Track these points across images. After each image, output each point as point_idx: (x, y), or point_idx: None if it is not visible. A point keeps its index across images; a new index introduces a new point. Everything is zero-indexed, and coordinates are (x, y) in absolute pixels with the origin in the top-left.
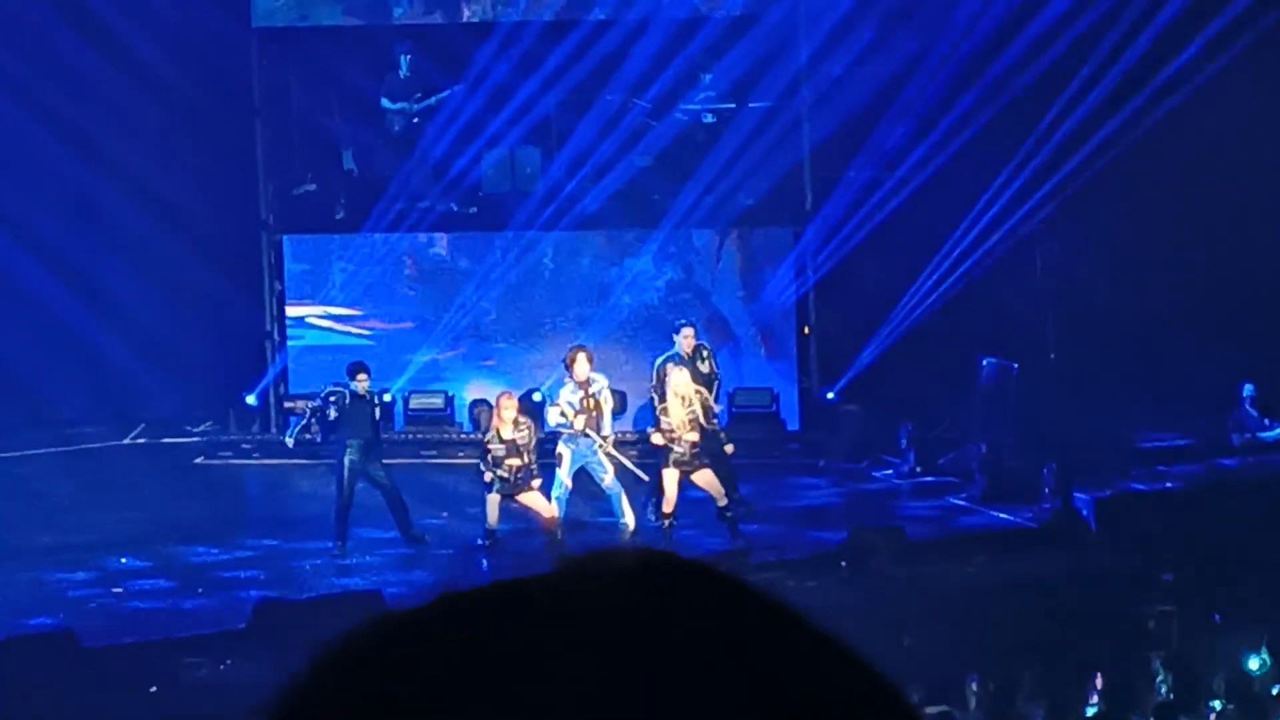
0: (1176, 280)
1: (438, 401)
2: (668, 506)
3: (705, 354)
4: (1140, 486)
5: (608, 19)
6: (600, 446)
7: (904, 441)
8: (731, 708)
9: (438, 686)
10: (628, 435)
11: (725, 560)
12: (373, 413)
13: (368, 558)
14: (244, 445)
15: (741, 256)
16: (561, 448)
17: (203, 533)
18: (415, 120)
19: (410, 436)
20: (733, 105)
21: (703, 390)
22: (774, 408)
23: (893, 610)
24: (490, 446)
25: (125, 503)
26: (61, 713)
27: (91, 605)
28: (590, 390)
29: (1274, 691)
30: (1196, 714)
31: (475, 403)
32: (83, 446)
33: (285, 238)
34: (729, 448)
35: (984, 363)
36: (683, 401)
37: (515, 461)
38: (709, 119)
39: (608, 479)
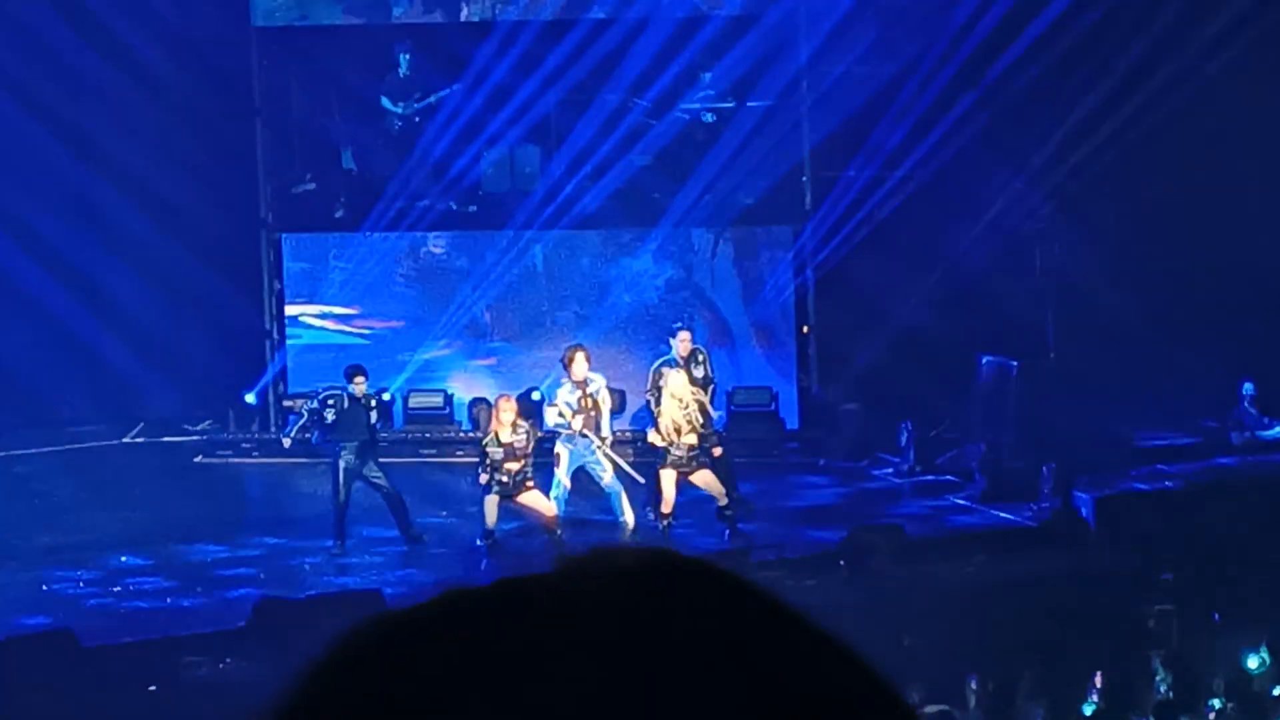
0: (1176, 280)
1: (437, 400)
2: (665, 507)
3: (701, 358)
4: (1140, 486)
5: (607, 18)
6: (598, 447)
7: (904, 440)
8: (731, 708)
9: (438, 686)
10: (625, 434)
11: (725, 559)
12: (369, 415)
13: (367, 556)
14: (243, 444)
15: (741, 255)
16: (559, 447)
17: (202, 532)
18: (415, 120)
19: (409, 435)
20: (732, 104)
21: (699, 392)
22: (773, 406)
23: (893, 610)
24: (489, 450)
25: (124, 502)
26: (61, 713)
27: (91, 604)
28: (588, 390)
29: (1274, 691)
30: (1196, 713)
31: (474, 401)
32: (82, 446)
33: (284, 237)
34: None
35: (983, 362)
36: (680, 404)
37: (513, 465)
38: (709, 118)
39: (607, 477)
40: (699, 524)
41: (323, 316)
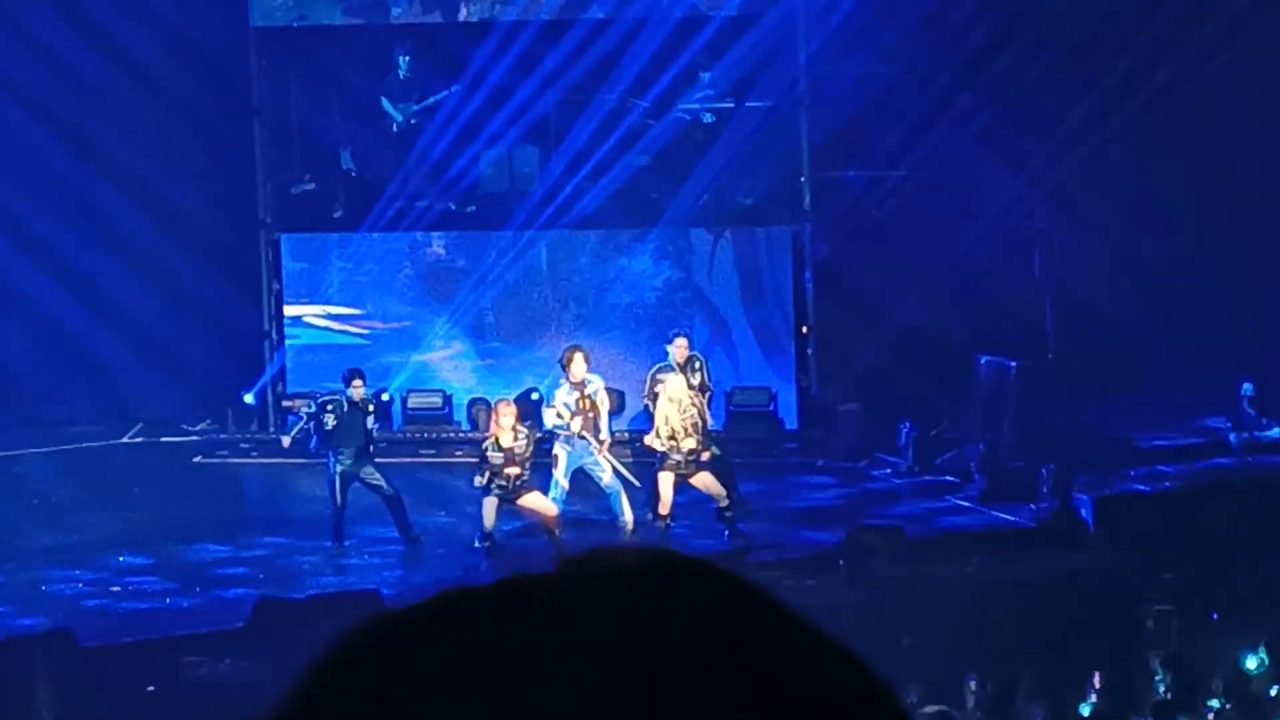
0: (1176, 280)
1: (436, 401)
2: (663, 509)
3: (698, 365)
4: (1139, 486)
5: (606, 18)
6: (597, 449)
7: (903, 441)
8: (731, 708)
9: (438, 686)
10: (623, 435)
11: (724, 560)
12: (365, 420)
13: (366, 557)
14: (242, 444)
15: (740, 256)
16: (558, 449)
17: (201, 532)
18: (414, 120)
19: (408, 436)
20: (732, 104)
21: (698, 397)
22: (772, 407)
23: (892, 610)
24: (489, 455)
25: (123, 502)
26: (61, 713)
27: (90, 605)
28: (586, 391)
29: (1272, 691)
30: (1195, 713)
31: (473, 401)
32: (80, 446)
33: (283, 237)
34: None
35: (982, 362)
36: (677, 407)
37: (513, 470)
38: (708, 118)
39: (606, 477)
40: (698, 524)
41: (321, 317)
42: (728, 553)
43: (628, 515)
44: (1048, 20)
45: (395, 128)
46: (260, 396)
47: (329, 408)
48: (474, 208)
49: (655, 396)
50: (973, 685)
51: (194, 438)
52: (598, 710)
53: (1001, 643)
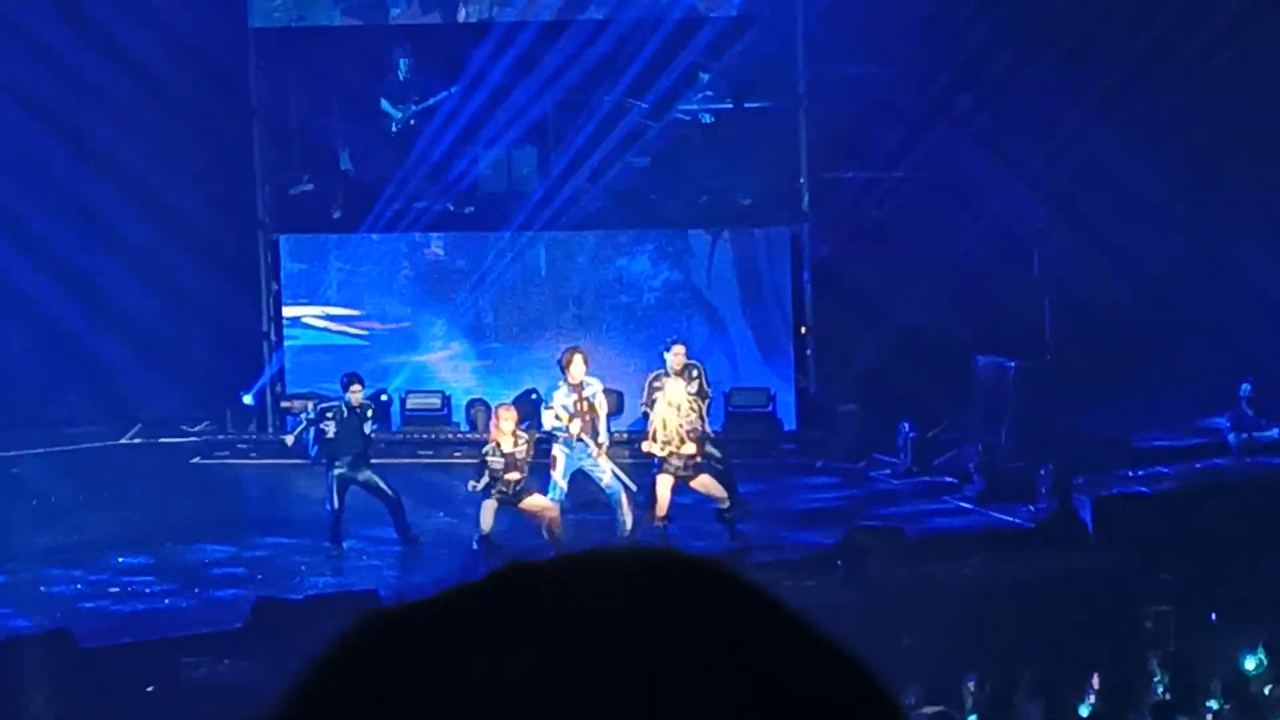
0: (1176, 281)
1: (435, 402)
2: (660, 510)
3: (695, 373)
4: (1138, 487)
5: (605, 19)
6: (595, 452)
7: (901, 441)
8: (731, 708)
9: (437, 686)
10: (622, 436)
11: (723, 560)
12: (363, 424)
13: (365, 557)
14: (241, 445)
15: (739, 257)
16: (556, 450)
17: (200, 532)
18: (413, 121)
19: (407, 436)
20: (730, 105)
21: (696, 401)
22: (771, 408)
23: (891, 610)
24: (490, 460)
25: (122, 503)
26: (60, 713)
27: (89, 605)
28: (584, 394)
29: (1269, 691)
30: (1194, 714)
31: (472, 402)
32: (79, 446)
33: (282, 237)
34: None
35: (981, 362)
36: (676, 411)
37: (514, 475)
38: (707, 119)
39: (606, 478)
40: (697, 525)
41: (320, 317)
42: (727, 553)
43: (627, 516)
44: (1048, 20)
45: (394, 128)
46: (259, 397)
47: (329, 415)
48: (473, 209)
49: (654, 403)
50: (971, 685)
51: (193, 438)
52: (598, 710)
53: (1000, 643)
